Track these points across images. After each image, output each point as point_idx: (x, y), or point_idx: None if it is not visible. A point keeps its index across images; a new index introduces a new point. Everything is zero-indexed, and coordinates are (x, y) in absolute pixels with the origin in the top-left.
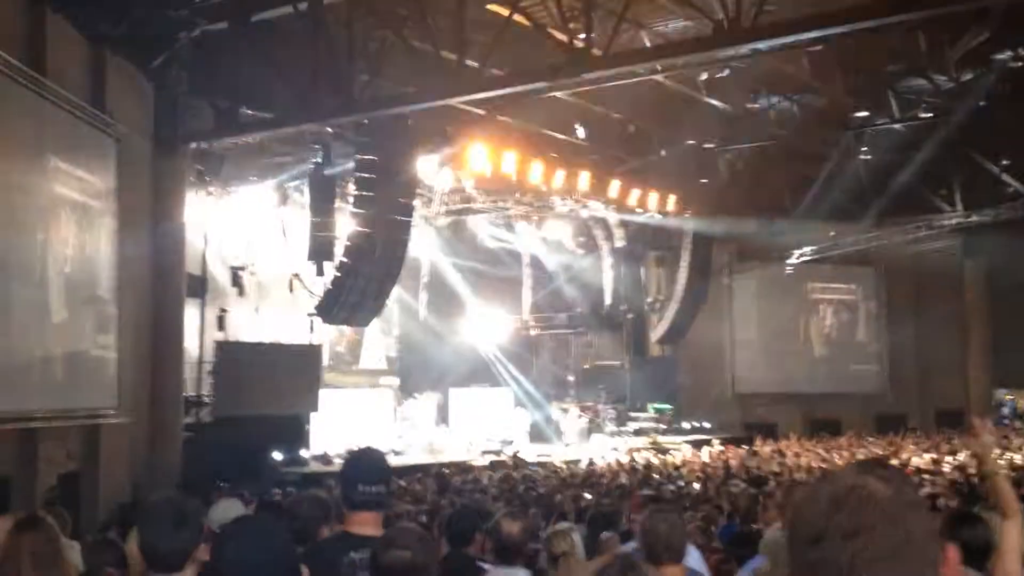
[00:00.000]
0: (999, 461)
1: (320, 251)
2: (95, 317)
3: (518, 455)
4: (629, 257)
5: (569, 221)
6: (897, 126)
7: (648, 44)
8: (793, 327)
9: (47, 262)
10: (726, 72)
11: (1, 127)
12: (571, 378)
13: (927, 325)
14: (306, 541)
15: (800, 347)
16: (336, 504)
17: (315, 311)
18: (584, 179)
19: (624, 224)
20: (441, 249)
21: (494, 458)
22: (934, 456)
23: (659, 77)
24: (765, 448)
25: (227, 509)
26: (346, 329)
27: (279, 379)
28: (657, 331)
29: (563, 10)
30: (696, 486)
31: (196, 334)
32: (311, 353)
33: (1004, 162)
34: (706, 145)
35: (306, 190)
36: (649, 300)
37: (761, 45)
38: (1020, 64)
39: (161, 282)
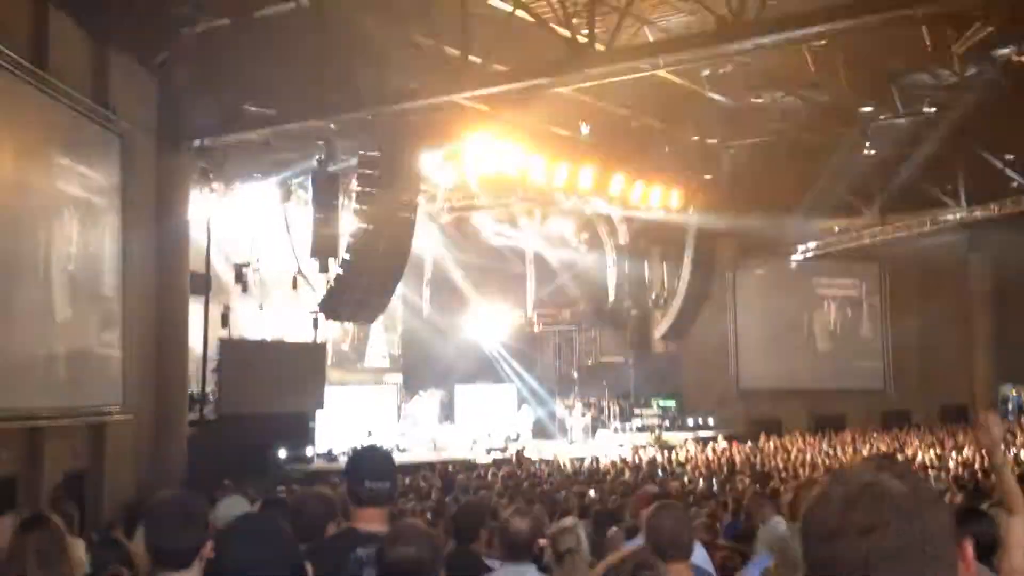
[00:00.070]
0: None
1: (324, 248)
2: (99, 315)
3: (522, 452)
4: (633, 253)
5: (573, 217)
6: (901, 121)
7: (651, 39)
8: (797, 323)
9: (51, 260)
10: (729, 67)
11: (4, 124)
12: (575, 374)
13: (931, 320)
14: (312, 538)
15: (804, 343)
16: (342, 501)
17: (319, 308)
18: (587, 175)
19: (628, 220)
20: (445, 246)
21: (498, 455)
22: (939, 452)
23: (662, 72)
24: (769, 444)
25: (232, 506)
26: (350, 326)
27: (283, 376)
28: (661, 327)
29: (566, 5)
30: (700, 482)
31: (200, 332)
32: (315, 350)
33: (1008, 157)
34: (710, 140)
35: (310, 187)
36: (653, 296)
37: (764, 40)
38: None
39: (165, 280)
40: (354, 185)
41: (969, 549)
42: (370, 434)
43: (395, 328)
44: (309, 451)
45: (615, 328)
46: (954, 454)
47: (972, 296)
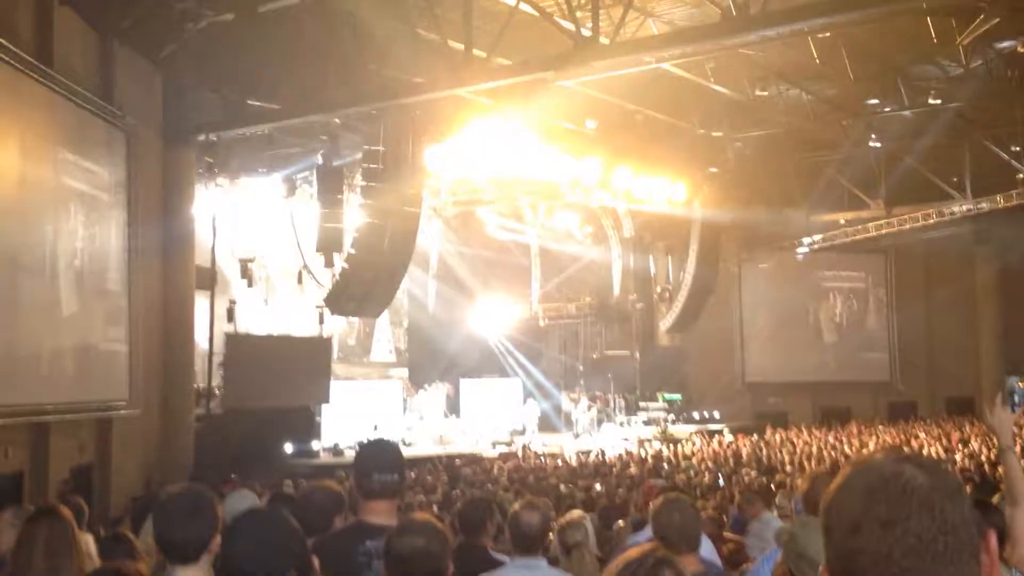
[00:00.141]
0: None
1: (329, 242)
2: (105, 310)
3: (528, 446)
4: (638, 247)
5: (577, 211)
6: (907, 113)
7: (655, 32)
8: (803, 316)
9: (57, 255)
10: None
11: (10, 120)
12: (580, 368)
13: (937, 312)
14: (319, 532)
15: (810, 336)
16: (350, 495)
17: (324, 303)
18: (592, 169)
19: (633, 214)
20: (450, 240)
21: (504, 449)
22: (945, 445)
23: (667, 65)
24: (775, 437)
25: (240, 500)
26: (356, 321)
27: (289, 371)
28: (666, 320)
29: None
30: (706, 476)
31: (206, 326)
32: (321, 345)
33: (1014, 148)
34: (715, 133)
35: (314, 181)
36: (658, 290)
37: (769, 32)
38: None
39: (171, 275)
40: (359, 179)
41: (993, 540)
42: (376, 428)
43: (400, 322)
44: (315, 445)
45: (620, 322)
46: (960, 446)
47: (978, 288)
